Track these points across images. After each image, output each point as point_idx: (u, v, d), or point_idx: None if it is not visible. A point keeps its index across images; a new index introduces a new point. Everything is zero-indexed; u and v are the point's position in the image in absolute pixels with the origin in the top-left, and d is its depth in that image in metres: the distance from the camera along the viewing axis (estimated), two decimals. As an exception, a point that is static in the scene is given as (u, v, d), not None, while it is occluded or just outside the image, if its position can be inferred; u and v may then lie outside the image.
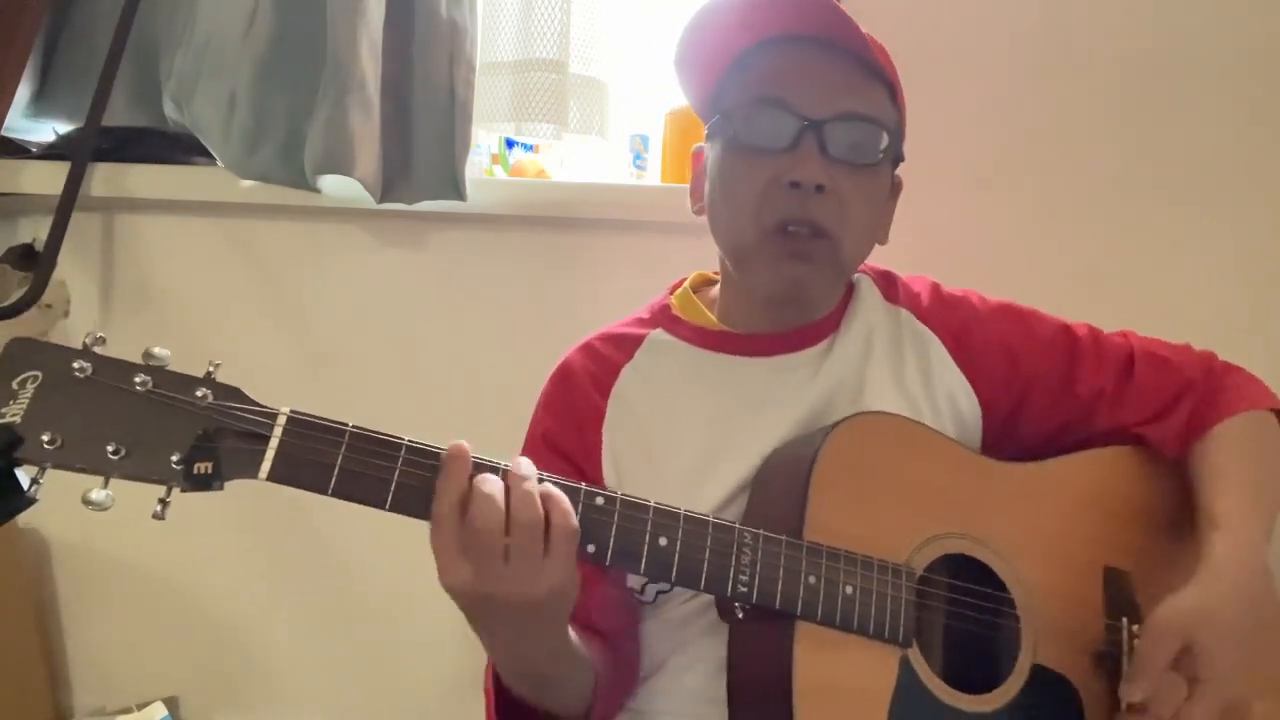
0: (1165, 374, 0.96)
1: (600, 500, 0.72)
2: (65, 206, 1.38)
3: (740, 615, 0.78)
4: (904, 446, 0.85)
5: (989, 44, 1.36)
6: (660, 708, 0.89)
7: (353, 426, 0.69)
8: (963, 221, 1.35)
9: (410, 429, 1.48)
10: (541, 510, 0.67)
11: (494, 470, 0.70)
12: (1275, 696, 0.86)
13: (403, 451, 0.70)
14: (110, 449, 0.62)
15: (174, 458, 0.64)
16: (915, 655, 0.79)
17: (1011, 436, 0.95)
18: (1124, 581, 0.87)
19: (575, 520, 0.69)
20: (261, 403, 0.68)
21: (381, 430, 0.70)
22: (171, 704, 1.47)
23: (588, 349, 0.98)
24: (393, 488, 0.69)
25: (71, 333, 1.49)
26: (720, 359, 0.94)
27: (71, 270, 1.47)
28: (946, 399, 0.94)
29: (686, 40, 0.92)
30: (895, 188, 0.97)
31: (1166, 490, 0.94)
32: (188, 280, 1.49)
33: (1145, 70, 1.34)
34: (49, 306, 1.46)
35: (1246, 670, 0.79)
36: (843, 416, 0.84)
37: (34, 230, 1.48)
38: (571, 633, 0.79)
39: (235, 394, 0.67)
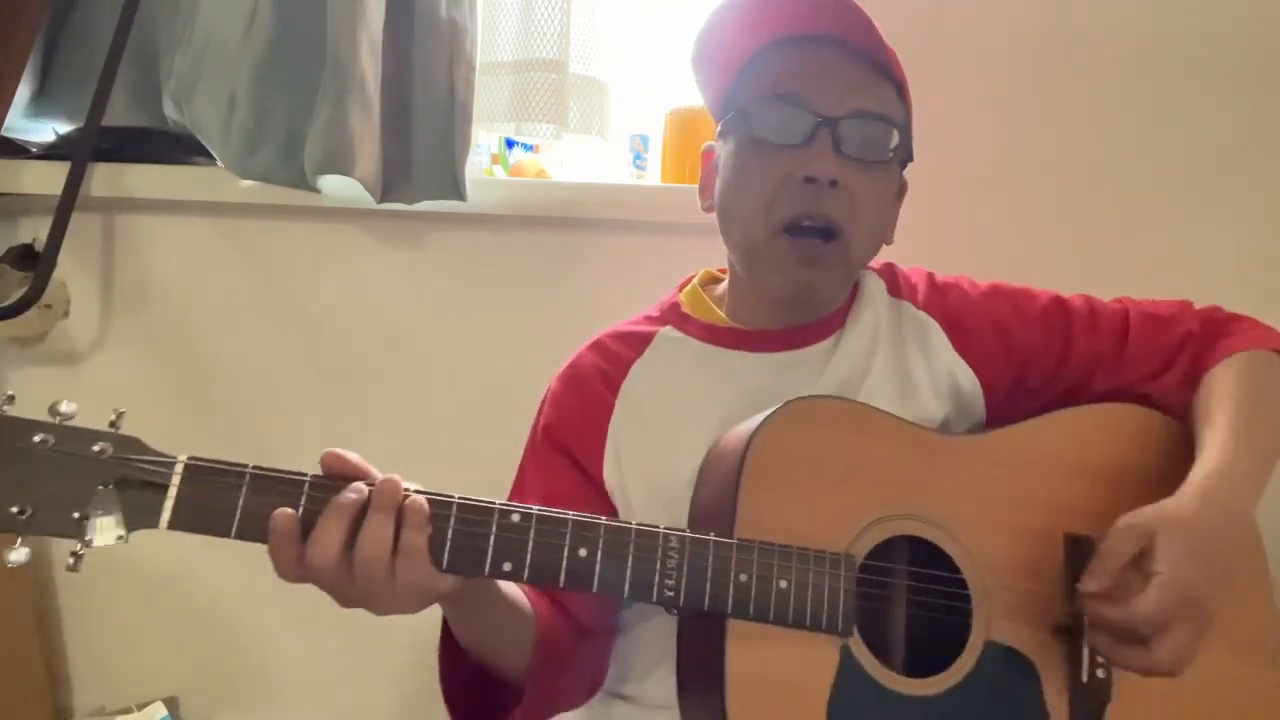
0: (1163, 331, 0.96)
1: (516, 517, 0.72)
2: (65, 206, 1.39)
3: (674, 612, 0.79)
4: (845, 429, 0.83)
5: (989, 44, 1.36)
6: (659, 700, 0.89)
7: (252, 467, 0.69)
8: (963, 221, 1.35)
9: (410, 429, 1.48)
10: (383, 554, 0.68)
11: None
12: (1222, 647, 0.84)
13: (305, 488, 0.69)
14: (15, 510, 0.65)
15: (75, 514, 0.66)
16: (857, 644, 0.78)
17: (1015, 410, 0.95)
18: (1087, 547, 0.84)
19: (420, 540, 0.69)
20: (161, 451, 0.68)
21: (282, 469, 0.69)
22: (171, 704, 1.47)
23: (599, 346, 0.99)
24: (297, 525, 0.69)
25: (72, 332, 1.50)
26: (729, 355, 0.95)
27: (71, 270, 1.47)
28: (948, 377, 0.95)
29: (703, 39, 0.93)
30: (901, 189, 0.98)
31: (1134, 446, 0.91)
32: (188, 280, 1.49)
33: (1145, 70, 1.35)
34: (49, 306, 1.46)
35: (1210, 579, 0.77)
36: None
37: (34, 230, 1.48)
38: (508, 594, 0.81)
39: (134, 444, 0.68)
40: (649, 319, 1.01)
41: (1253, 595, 0.90)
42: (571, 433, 0.95)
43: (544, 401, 0.99)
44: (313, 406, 1.47)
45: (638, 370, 0.96)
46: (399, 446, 1.46)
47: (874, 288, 0.99)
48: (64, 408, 0.67)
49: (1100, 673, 0.82)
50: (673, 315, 1.00)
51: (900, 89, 0.92)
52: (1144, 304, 1.00)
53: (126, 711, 1.43)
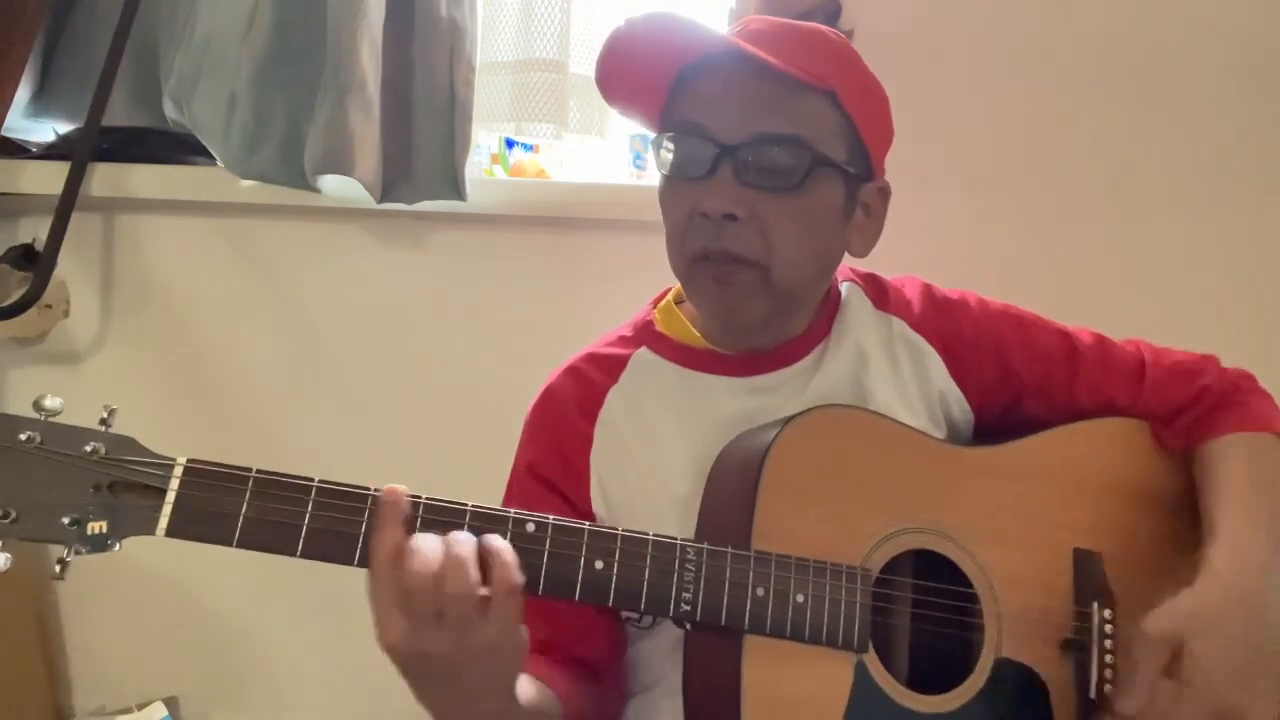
0: (1181, 383, 0.93)
1: (531, 527, 0.70)
2: (65, 206, 1.39)
3: (689, 626, 0.77)
4: (860, 440, 0.82)
5: (989, 44, 1.36)
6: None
7: (257, 471, 0.66)
8: (962, 222, 1.35)
9: (410, 428, 1.47)
10: (474, 576, 0.65)
11: (429, 511, 0.68)
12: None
13: (313, 494, 0.67)
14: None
15: (65, 519, 0.62)
16: (872, 660, 0.77)
17: (1005, 427, 0.93)
18: (1094, 563, 0.84)
19: (518, 577, 0.66)
20: (157, 452, 0.65)
21: (289, 473, 0.66)
22: (171, 704, 1.47)
23: (572, 372, 0.96)
24: (303, 534, 0.66)
25: (72, 332, 1.50)
26: (706, 379, 0.92)
27: (71, 270, 1.47)
28: (942, 407, 0.92)
29: (605, 77, 0.90)
30: (882, 193, 0.91)
31: (1142, 461, 0.91)
32: (188, 280, 1.49)
33: (1145, 72, 1.35)
34: (49, 306, 1.46)
35: (1244, 682, 0.77)
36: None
37: (34, 230, 1.48)
38: (529, 685, 0.76)
39: (129, 445, 0.64)
40: (623, 340, 0.96)
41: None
42: (550, 465, 0.92)
43: (523, 434, 0.96)
44: (312, 406, 1.47)
45: (614, 397, 0.92)
46: (398, 446, 1.46)
47: (857, 301, 0.95)
48: (49, 403, 0.63)
49: (1109, 688, 0.81)
50: (647, 336, 0.95)
51: (835, 96, 0.84)
52: (1162, 353, 0.96)
53: (126, 711, 1.43)
